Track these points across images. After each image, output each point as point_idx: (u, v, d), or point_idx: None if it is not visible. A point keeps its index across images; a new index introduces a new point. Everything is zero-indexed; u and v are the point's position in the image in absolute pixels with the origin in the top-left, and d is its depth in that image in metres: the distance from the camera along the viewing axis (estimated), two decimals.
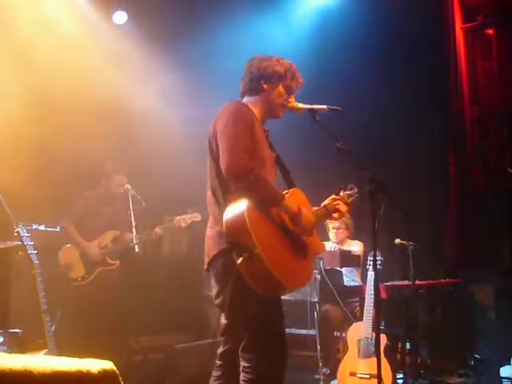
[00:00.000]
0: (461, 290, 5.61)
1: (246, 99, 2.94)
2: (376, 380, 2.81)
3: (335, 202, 3.00)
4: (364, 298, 4.52)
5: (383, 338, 4.18)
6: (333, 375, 4.62)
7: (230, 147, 2.62)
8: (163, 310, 6.00)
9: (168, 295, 6.22)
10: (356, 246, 5.34)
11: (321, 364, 4.59)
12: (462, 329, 5.67)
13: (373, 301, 4.29)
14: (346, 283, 5.26)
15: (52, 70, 5.21)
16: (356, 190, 3.11)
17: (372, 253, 3.94)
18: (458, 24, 6.24)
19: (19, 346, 3.66)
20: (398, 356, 5.00)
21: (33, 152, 5.13)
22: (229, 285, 2.65)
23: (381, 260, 4.59)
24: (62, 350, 3.54)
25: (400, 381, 4.68)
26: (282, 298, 2.82)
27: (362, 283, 5.22)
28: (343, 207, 3.00)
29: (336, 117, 2.93)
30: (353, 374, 4.26)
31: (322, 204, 3.01)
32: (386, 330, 4.74)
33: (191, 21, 6.24)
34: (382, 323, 5.05)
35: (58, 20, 5.53)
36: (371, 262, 4.52)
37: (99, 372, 1.60)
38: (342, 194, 3.10)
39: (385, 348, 4.17)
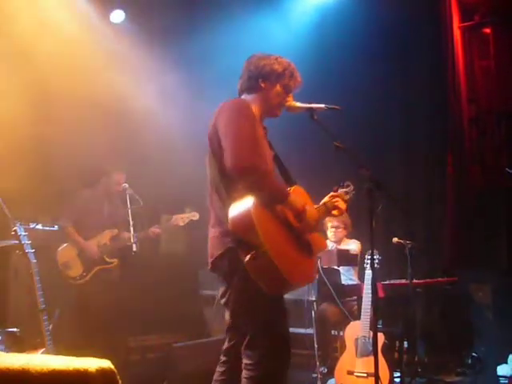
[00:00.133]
0: (458, 288, 5.62)
1: (243, 97, 2.93)
2: (373, 378, 2.81)
3: (334, 200, 3.00)
4: (361, 297, 4.52)
5: (381, 337, 4.19)
6: (330, 374, 4.63)
7: (234, 143, 2.59)
8: (161, 309, 6.00)
9: (166, 294, 6.21)
10: (353, 245, 5.34)
11: (318, 363, 4.60)
12: (459, 327, 5.68)
13: (370, 299, 4.30)
14: (343, 282, 5.27)
15: (51, 69, 5.20)
16: (352, 187, 3.11)
17: (369, 252, 3.95)
18: (456, 23, 6.24)
19: (17, 345, 3.66)
20: (396, 355, 5.00)
21: (31, 151, 5.13)
22: (233, 283, 2.65)
23: (378, 259, 4.59)
24: (59, 349, 3.54)
25: (397, 379, 4.68)
26: None
27: (359, 282, 5.23)
28: (342, 204, 3.00)
29: (334, 115, 2.93)
30: (350, 373, 4.27)
31: (321, 202, 3.02)
32: (384, 329, 4.75)
33: (189, 19, 6.24)
34: (380, 322, 5.06)
35: (56, 19, 5.52)
36: (369, 261, 4.53)
37: (97, 370, 1.60)
38: (339, 191, 3.11)
39: (382, 347, 4.18)
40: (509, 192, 5.68)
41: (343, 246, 5.34)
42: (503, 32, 6.14)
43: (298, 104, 2.93)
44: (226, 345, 2.84)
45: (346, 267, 5.30)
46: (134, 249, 4.92)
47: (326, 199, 3.03)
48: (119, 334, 5.25)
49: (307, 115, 2.93)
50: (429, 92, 6.37)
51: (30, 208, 5.10)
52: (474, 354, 5.52)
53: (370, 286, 4.33)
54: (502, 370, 5.02)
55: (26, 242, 3.65)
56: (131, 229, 4.98)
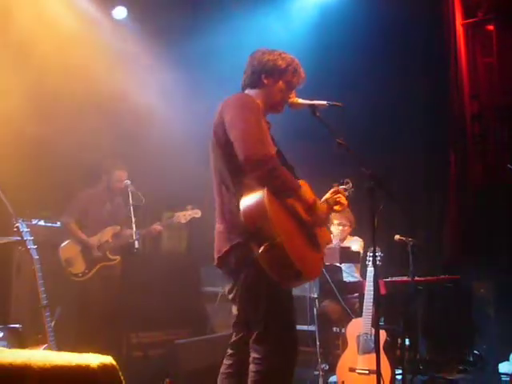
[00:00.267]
0: (460, 286, 5.62)
1: (247, 92, 2.92)
2: (375, 376, 2.81)
3: (336, 195, 3.00)
4: (363, 294, 4.52)
5: (382, 334, 4.19)
6: (332, 371, 4.63)
7: (245, 135, 2.58)
8: (163, 306, 6.01)
9: (168, 291, 6.22)
10: (356, 243, 5.35)
11: (320, 360, 4.59)
12: (460, 325, 5.68)
13: (372, 297, 4.30)
14: (344, 279, 5.27)
15: (52, 66, 5.20)
16: (351, 184, 3.10)
17: (371, 249, 3.95)
18: (458, 20, 6.23)
19: (19, 341, 3.66)
20: (397, 352, 5.00)
21: (34, 149, 5.14)
22: (241, 279, 2.64)
23: (380, 256, 4.59)
24: (61, 345, 3.54)
25: (399, 376, 4.68)
26: None
27: (361, 279, 5.23)
28: (344, 200, 3.00)
29: (335, 113, 2.92)
30: (352, 370, 4.27)
31: (323, 198, 3.01)
32: (385, 326, 4.74)
33: (191, 17, 6.24)
34: (382, 319, 5.06)
35: (58, 16, 5.52)
36: (371, 258, 4.53)
37: (99, 366, 1.60)
38: (339, 188, 3.10)
39: (384, 344, 4.17)
40: (511, 189, 5.67)
41: (346, 244, 5.33)
42: (506, 29, 6.13)
43: (301, 100, 2.93)
44: (233, 338, 2.85)
45: (347, 264, 5.29)
46: (137, 246, 4.93)
47: (327, 195, 3.03)
48: (121, 330, 5.26)
49: (308, 112, 2.92)
50: (431, 89, 6.35)
51: (32, 205, 5.10)
52: (475, 351, 5.52)
53: (371, 283, 4.33)
54: (503, 367, 5.02)
55: (29, 238, 3.65)
56: (133, 226, 4.98)
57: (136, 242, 4.93)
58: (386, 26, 6.26)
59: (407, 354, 5.16)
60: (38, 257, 3.62)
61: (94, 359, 1.61)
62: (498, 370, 5.05)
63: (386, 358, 4.09)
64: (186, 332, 5.96)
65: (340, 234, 5.36)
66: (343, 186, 3.10)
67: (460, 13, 6.23)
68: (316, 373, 4.68)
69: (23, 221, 3.73)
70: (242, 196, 2.58)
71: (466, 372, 5.36)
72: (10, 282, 5.01)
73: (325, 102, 2.91)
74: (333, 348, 4.90)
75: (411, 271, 4.75)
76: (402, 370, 4.78)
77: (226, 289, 2.78)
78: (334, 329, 5.08)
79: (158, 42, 5.95)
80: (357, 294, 5.17)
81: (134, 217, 5.01)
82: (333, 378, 4.62)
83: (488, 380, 5.22)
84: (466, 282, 5.61)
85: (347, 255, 5.09)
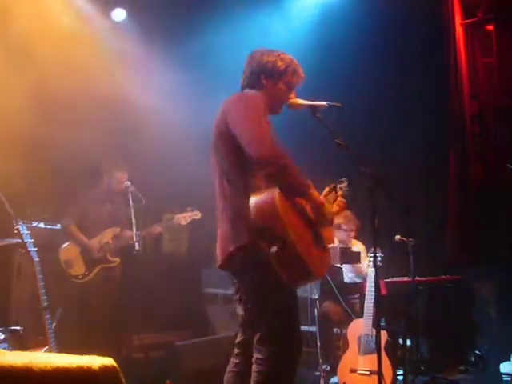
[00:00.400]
0: (461, 286, 5.62)
1: (246, 92, 2.91)
2: (376, 376, 2.81)
3: (337, 197, 3.00)
4: (364, 295, 4.52)
5: (383, 335, 4.19)
6: (333, 372, 4.63)
7: (255, 132, 2.56)
8: (163, 308, 6.01)
9: (168, 293, 6.22)
10: (358, 246, 5.38)
11: (321, 360, 4.59)
12: (462, 325, 5.68)
13: (373, 297, 4.30)
14: (345, 280, 5.28)
15: (52, 68, 5.20)
16: (346, 183, 3.09)
17: (372, 249, 3.95)
18: (458, 20, 6.22)
19: (20, 343, 3.66)
20: (399, 352, 5.00)
21: (34, 150, 5.13)
22: (247, 280, 2.64)
23: (381, 257, 4.59)
24: (62, 347, 3.54)
25: (400, 377, 4.68)
26: None
27: (361, 280, 5.22)
28: (341, 200, 3.00)
29: (336, 113, 2.92)
30: (353, 371, 4.27)
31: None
32: (387, 327, 4.74)
33: (190, 18, 6.23)
34: (383, 320, 5.06)
35: (58, 18, 5.53)
36: (371, 259, 4.52)
37: (100, 368, 1.60)
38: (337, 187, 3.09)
39: (385, 344, 4.17)
40: (511, 189, 5.66)
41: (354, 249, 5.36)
42: (506, 29, 6.12)
43: (300, 101, 2.92)
44: (239, 338, 2.84)
45: (347, 265, 5.30)
46: (137, 247, 4.92)
47: (324, 194, 3.02)
48: (122, 332, 5.27)
49: (308, 112, 2.91)
50: (431, 89, 6.35)
51: (32, 207, 5.11)
52: (476, 351, 5.52)
53: (372, 284, 4.32)
54: (504, 367, 5.02)
55: (29, 240, 3.65)
56: (134, 227, 4.98)
57: (136, 244, 4.93)
58: (387, 26, 6.27)
59: (408, 354, 5.16)
60: (38, 259, 3.62)
61: (95, 361, 1.61)
62: (499, 370, 5.05)
63: (387, 359, 4.09)
64: (186, 333, 5.95)
65: (346, 238, 5.38)
66: (339, 185, 3.09)
67: (459, 13, 6.23)
68: (317, 373, 4.68)
69: (23, 223, 3.73)
70: (249, 196, 2.56)
71: (467, 372, 5.36)
72: (11, 284, 5.00)
73: (325, 103, 2.90)
74: (334, 349, 4.90)
75: (412, 271, 4.75)
76: (404, 370, 4.78)
77: (232, 289, 2.78)
78: (335, 330, 5.08)
79: (158, 42, 5.95)
80: (357, 295, 5.17)
81: (135, 218, 5.02)
82: (334, 379, 4.62)
83: (489, 380, 5.22)
84: (467, 282, 5.61)
85: (348, 256, 5.09)
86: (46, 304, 3.58)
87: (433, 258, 5.88)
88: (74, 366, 1.57)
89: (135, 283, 5.42)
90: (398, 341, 5.04)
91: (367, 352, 4.27)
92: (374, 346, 4.18)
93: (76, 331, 4.99)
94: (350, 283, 5.32)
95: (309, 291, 4.81)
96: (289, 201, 2.58)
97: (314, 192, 2.71)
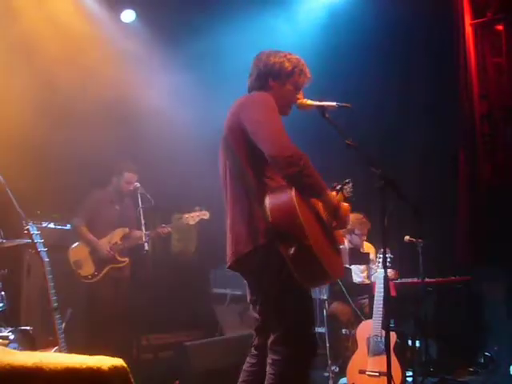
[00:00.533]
0: (471, 287, 5.59)
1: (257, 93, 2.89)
2: (385, 378, 2.80)
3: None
4: (373, 296, 4.51)
5: (393, 336, 4.17)
6: (342, 373, 4.62)
7: (274, 133, 2.55)
8: (173, 308, 6.02)
9: (177, 293, 6.23)
10: (369, 249, 5.39)
11: (330, 361, 4.58)
12: (471, 326, 5.65)
13: (382, 298, 4.28)
14: (354, 280, 5.27)
15: (61, 69, 5.23)
16: (351, 184, 3.07)
17: (382, 250, 3.94)
18: (468, 20, 6.19)
19: (30, 343, 3.67)
20: (408, 354, 4.98)
21: (43, 151, 5.16)
22: (263, 280, 2.62)
23: (390, 258, 4.58)
24: (72, 347, 3.55)
25: (409, 378, 4.66)
26: None
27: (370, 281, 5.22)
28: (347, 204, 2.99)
29: (345, 113, 2.91)
30: (362, 372, 4.25)
31: None
32: (396, 328, 4.73)
33: (198, 19, 6.24)
34: (392, 321, 5.04)
35: (67, 20, 5.55)
36: (381, 260, 4.51)
37: (110, 369, 1.60)
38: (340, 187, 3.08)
39: (394, 346, 4.16)
40: None
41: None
42: None
43: (310, 102, 2.90)
44: (256, 341, 2.82)
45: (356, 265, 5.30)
46: (146, 248, 4.94)
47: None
48: (131, 332, 5.28)
49: (315, 113, 2.90)
50: (441, 90, 6.32)
51: (42, 207, 5.13)
52: (486, 353, 5.49)
53: (382, 285, 4.31)
54: None
55: (39, 240, 3.66)
56: (143, 228, 4.99)
57: (146, 244, 4.95)
58: (395, 27, 6.25)
59: (417, 355, 5.14)
60: (48, 259, 3.63)
61: (105, 362, 1.61)
62: (509, 371, 5.02)
63: (396, 360, 4.07)
64: (195, 334, 5.96)
65: (359, 242, 5.38)
66: (345, 186, 3.07)
67: (469, 13, 6.20)
68: (326, 374, 4.67)
69: (33, 223, 3.75)
70: (263, 196, 2.55)
71: (476, 374, 5.33)
72: (21, 284, 5.02)
73: (334, 103, 2.88)
74: (343, 350, 4.89)
75: (421, 272, 4.73)
76: (413, 371, 4.77)
77: (240, 290, 2.79)
78: (344, 330, 5.07)
79: (166, 44, 5.97)
80: (366, 296, 5.16)
81: (144, 219, 5.03)
82: (343, 380, 4.61)
83: (499, 382, 5.19)
84: (477, 282, 5.58)
85: (357, 256, 5.09)
86: (55, 304, 3.59)
87: (442, 259, 5.85)
88: (83, 366, 1.58)
89: (144, 283, 5.42)
90: (407, 342, 5.02)
91: (376, 353, 4.25)
92: (383, 347, 4.16)
93: (86, 331, 5.01)
94: (359, 284, 5.31)
95: (317, 292, 4.80)
96: (304, 201, 2.56)
97: (330, 193, 2.70)
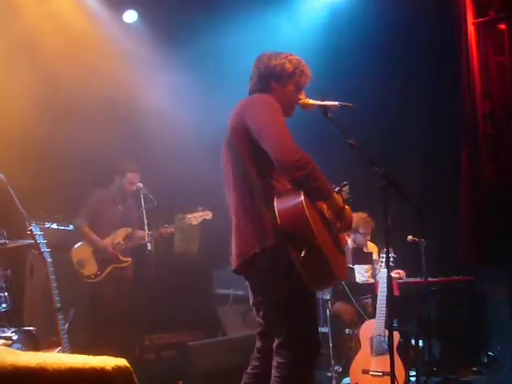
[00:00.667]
0: (473, 287, 5.58)
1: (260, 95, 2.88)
2: (389, 377, 2.80)
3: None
4: (376, 295, 4.51)
5: (396, 336, 4.17)
6: (345, 373, 4.61)
7: (280, 136, 2.54)
8: (175, 308, 6.01)
9: (180, 293, 6.23)
10: (372, 249, 5.38)
11: (333, 361, 4.58)
12: (475, 326, 5.64)
13: (385, 298, 4.28)
14: (357, 280, 5.26)
15: (63, 67, 5.24)
16: (348, 186, 3.06)
17: (384, 250, 3.93)
18: (470, 19, 6.18)
19: (33, 343, 3.68)
20: (411, 353, 4.98)
21: (45, 148, 5.17)
22: (271, 283, 2.60)
23: (393, 257, 4.57)
24: (75, 348, 3.55)
25: (413, 378, 4.66)
26: None
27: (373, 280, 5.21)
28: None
29: (347, 114, 2.90)
30: (365, 372, 4.25)
31: None
32: (399, 328, 4.72)
33: (200, 19, 6.24)
34: (395, 321, 5.04)
35: (69, 20, 5.56)
36: (383, 259, 4.51)
37: (113, 369, 1.60)
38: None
39: (397, 345, 4.15)
40: None
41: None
42: None
43: (312, 101, 2.89)
44: (259, 343, 2.82)
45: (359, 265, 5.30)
46: (149, 248, 4.94)
47: None
48: (134, 332, 5.28)
49: (317, 112, 2.89)
50: (443, 89, 6.32)
51: (45, 208, 5.14)
52: (489, 352, 5.48)
53: (385, 285, 4.31)
54: None
55: (42, 241, 3.67)
56: (146, 228, 4.99)
57: (148, 244, 4.94)
58: (397, 26, 6.25)
59: (421, 355, 5.14)
60: (51, 260, 3.64)
61: (108, 362, 1.61)
62: None
63: (399, 360, 4.07)
64: (198, 334, 5.96)
65: (363, 241, 5.37)
66: (343, 189, 3.06)
67: (471, 12, 6.19)
68: (329, 374, 4.67)
69: (36, 224, 3.75)
70: (269, 198, 2.55)
71: (480, 373, 5.32)
72: (24, 284, 5.03)
73: (336, 103, 2.87)
74: (346, 349, 4.89)
75: (424, 272, 4.73)
76: (416, 371, 4.76)
77: (242, 291, 2.79)
78: (347, 330, 5.06)
79: (168, 43, 5.97)
80: (369, 295, 5.16)
81: (147, 219, 5.03)
82: (346, 380, 4.61)
83: (502, 381, 5.18)
84: (480, 282, 5.58)
85: (360, 256, 5.08)
86: (58, 305, 3.60)
87: (445, 259, 5.84)
88: (87, 366, 1.58)
89: (147, 283, 5.43)
90: (410, 342, 5.02)
91: (379, 353, 4.25)
92: (386, 346, 4.16)
93: (89, 331, 5.02)
94: (362, 284, 5.31)
95: (321, 292, 4.79)
96: (312, 204, 2.56)
97: (336, 196, 2.70)
